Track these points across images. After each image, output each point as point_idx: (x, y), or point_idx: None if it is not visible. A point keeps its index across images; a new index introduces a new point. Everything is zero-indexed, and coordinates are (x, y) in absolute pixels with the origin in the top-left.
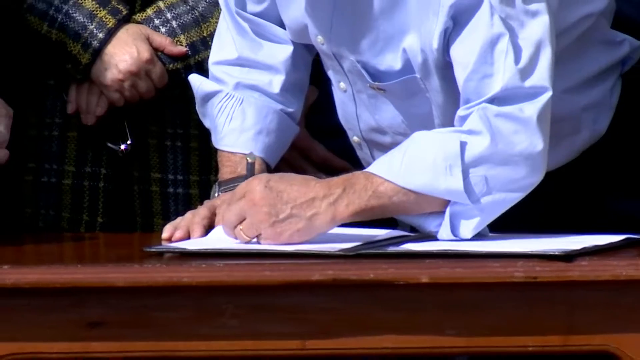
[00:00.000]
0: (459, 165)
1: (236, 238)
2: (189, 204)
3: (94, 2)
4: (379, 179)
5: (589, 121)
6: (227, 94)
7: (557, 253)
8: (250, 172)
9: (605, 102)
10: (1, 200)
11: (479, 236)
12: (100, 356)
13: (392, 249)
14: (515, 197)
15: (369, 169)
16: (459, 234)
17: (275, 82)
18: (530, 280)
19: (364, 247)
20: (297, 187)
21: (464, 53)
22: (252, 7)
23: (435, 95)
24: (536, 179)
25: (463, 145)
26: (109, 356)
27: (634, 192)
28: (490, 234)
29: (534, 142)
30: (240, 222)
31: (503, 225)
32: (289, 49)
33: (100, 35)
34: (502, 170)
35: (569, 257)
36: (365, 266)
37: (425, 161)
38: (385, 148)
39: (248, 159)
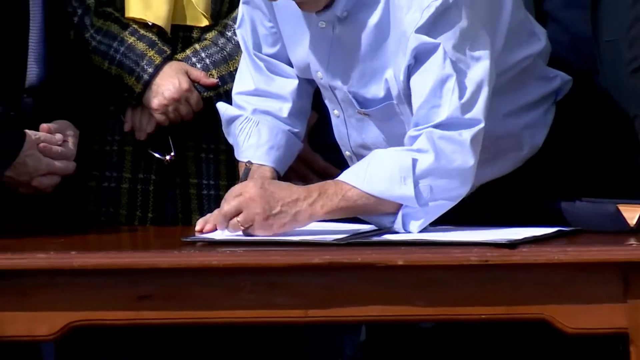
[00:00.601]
0: (411, 177)
1: (228, 228)
2: (218, 203)
3: (144, 44)
4: (347, 186)
5: (528, 138)
6: (246, 117)
7: (504, 242)
8: (245, 176)
9: (541, 123)
10: (69, 201)
11: (438, 229)
12: (148, 322)
13: (374, 239)
14: (451, 203)
15: (340, 178)
16: (408, 230)
17: (284, 108)
18: (483, 263)
19: (353, 238)
20: (284, 189)
21: (420, 85)
22: (266, 49)
23: (406, 118)
24: (465, 190)
25: (414, 161)
26: (155, 322)
27: (565, 193)
28: (453, 226)
29: (467, 160)
30: (237, 215)
31: (462, 220)
32: (295, 83)
33: (150, 70)
34: (443, 181)
35: (513, 245)
36: (354, 252)
37: (385, 173)
38: None
39: (246, 165)
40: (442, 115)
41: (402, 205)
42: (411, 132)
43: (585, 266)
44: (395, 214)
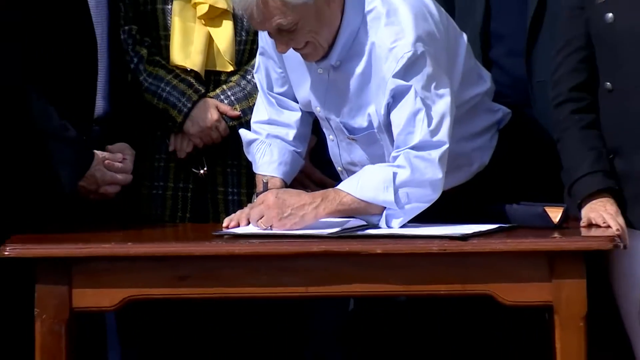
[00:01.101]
0: (392, 187)
1: (258, 227)
2: (240, 206)
3: (184, 85)
4: (344, 193)
5: (478, 157)
6: (261, 140)
7: (458, 235)
8: (265, 188)
9: (488, 145)
10: (127, 205)
11: (409, 225)
12: (185, 297)
13: (359, 232)
14: (424, 206)
15: (338, 187)
16: (390, 226)
17: (290, 134)
18: (442, 252)
19: (343, 232)
20: (294, 197)
21: (398, 118)
22: (277, 89)
23: (385, 143)
24: (436, 196)
25: (395, 174)
26: (190, 297)
27: (505, 199)
28: (420, 224)
29: (436, 173)
30: (260, 218)
31: (428, 219)
32: (299, 114)
33: (189, 105)
34: (417, 190)
35: (465, 237)
36: (343, 243)
37: (372, 183)
38: None
39: (263, 179)
40: (415, 139)
41: (385, 207)
42: (393, 153)
43: (520, 254)
44: (381, 214)
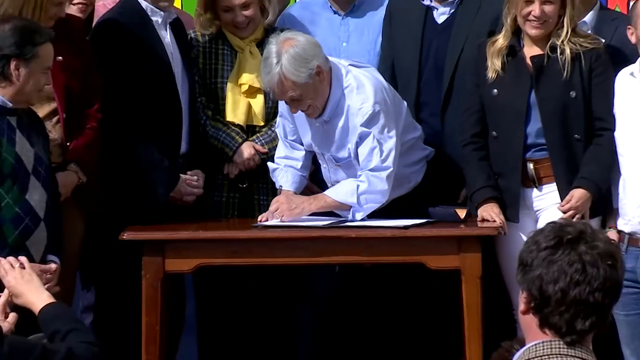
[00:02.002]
0: (356, 194)
1: (276, 217)
2: (267, 209)
3: (234, 133)
4: (327, 197)
5: (414, 177)
6: (281, 169)
7: (402, 226)
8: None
9: (420, 170)
10: (199, 208)
11: (373, 219)
12: (235, 265)
13: (341, 225)
14: (376, 206)
15: (324, 193)
16: (355, 218)
17: (299, 165)
18: (393, 236)
19: (332, 224)
20: (298, 198)
21: (362, 151)
22: (290, 137)
23: (357, 167)
24: (384, 200)
25: (358, 186)
26: (239, 264)
27: (431, 203)
28: (380, 219)
29: (384, 186)
30: (276, 211)
31: (384, 216)
32: (304, 152)
33: (236, 145)
34: (372, 196)
35: (406, 227)
36: (332, 230)
37: (345, 191)
38: None
39: (280, 188)
40: (372, 165)
41: (352, 206)
42: (359, 173)
43: (441, 237)
44: (349, 210)
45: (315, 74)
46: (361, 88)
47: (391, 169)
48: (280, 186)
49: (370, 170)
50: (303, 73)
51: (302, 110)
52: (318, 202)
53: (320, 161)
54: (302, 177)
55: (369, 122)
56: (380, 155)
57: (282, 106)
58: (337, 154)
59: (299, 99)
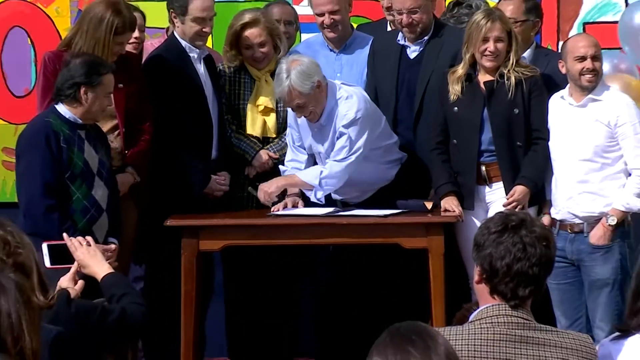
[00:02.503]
0: (319, 177)
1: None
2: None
3: (252, 142)
4: (296, 177)
5: (390, 174)
6: (288, 170)
7: (382, 214)
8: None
9: (394, 167)
10: (225, 201)
11: (359, 209)
12: (255, 244)
13: (336, 214)
14: (333, 189)
15: (295, 173)
16: (317, 197)
17: (302, 166)
18: (374, 222)
19: (329, 213)
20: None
21: (336, 146)
22: (296, 143)
23: None
24: (341, 184)
25: (321, 171)
26: (257, 244)
27: (404, 197)
28: (363, 209)
29: (343, 174)
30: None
31: (367, 207)
32: (306, 156)
33: (254, 152)
34: (331, 180)
35: (385, 216)
36: (328, 218)
37: (310, 174)
38: None
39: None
40: (338, 157)
41: (314, 186)
42: (326, 160)
43: (412, 223)
44: (312, 189)
45: (316, 86)
46: (349, 98)
47: (352, 160)
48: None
49: (336, 160)
50: (307, 85)
51: (304, 116)
52: (287, 179)
53: (317, 161)
54: None
55: (348, 125)
56: (348, 152)
57: (290, 119)
58: (329, 151)
59: (303, 106)
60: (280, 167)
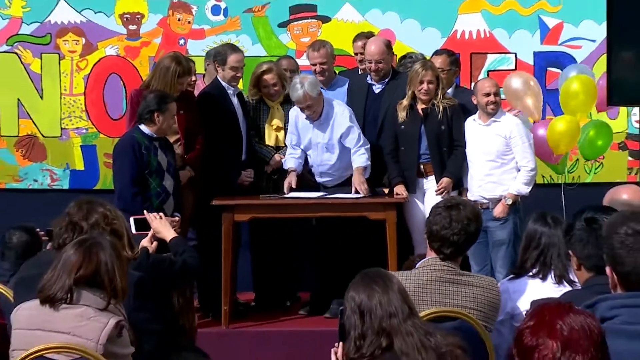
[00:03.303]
0: (366, 158)
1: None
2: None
3: (269, 149)
4: (359, 167)
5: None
6: (288, 159)
7: (356, 197)
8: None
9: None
10: (251, 188)
11: (344, 193)
12: (272, 217)
13: (324, 197)
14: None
15: (355, 168)
16: (369, 170)
17: (297, 156)
18: (352, 202)
19: (321, 197)
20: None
21: (352, 138)
22: (293, 142)
23: (337, 148)
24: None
25: (364, 154)
26: (274, 217)
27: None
28: (346, 194)
29: (369, 152)
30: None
31: (347, 192)
32: (300, 151)
33: (270, 155)
34: (368, 155)
35: (358, 198)
36: (318, 199)
37: (361, 160)
38: None
39: (289, 169)
40: (359, 144)
41: (367, 165)
42: (355, 149)
43: (375, 203)
44: (365, 169)
45: (319, 94)
46: (338, 103)
47: (367, 145)
48: (288, 168)
49: (360, 146)
50: (315, 92)
51: (309, 114)
52: (359, 175)
53: (310, 153)
54: (300, 163)
55: (352, 121)
56: (361, 139)
57: (291, 128)
58: (325, 141)
59: (311, 106)
60: (283, 160)
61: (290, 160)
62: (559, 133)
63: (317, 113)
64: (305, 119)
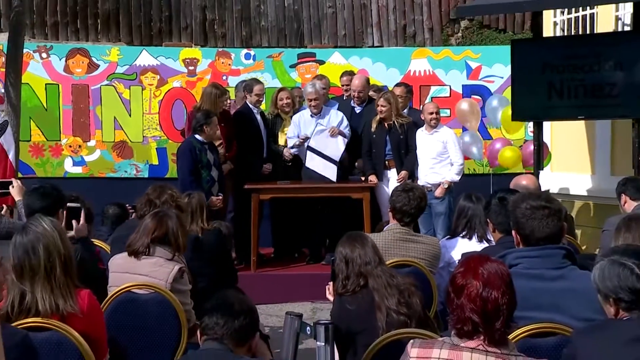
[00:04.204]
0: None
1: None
2: None
3: (282, 147)
4: None
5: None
6: (290, 138)
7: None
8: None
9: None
10: (270, 176)
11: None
12: (287, 197)
13: (324, 182)
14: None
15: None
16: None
17: (296, 138)
18: (340, 186)
19: (322, 179)
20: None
21: (344, 126)
22: (295, 133)
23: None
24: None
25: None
26: (287, 197)
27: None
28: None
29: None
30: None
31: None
32: (296, 137)
33: (281, 151)
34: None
35: (344, 182)
36: (320, 183)
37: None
38: None
39: (290, 149)
40: (340, 124)
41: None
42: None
43: (355, 187)
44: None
45: (324, 93)
46: (333, 109)
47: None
48: (291, 147)
49: (345, 127)
50: (323, 90)
51: (315, 105)
52: (335, 128)
53: (308, 141)
54: (297, 138)
55: (343, 118)
56: (344, 122)
57: (291, 126)
58: (321, 129)
59: (318, 99)
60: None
61: (291, 140)
62: (506, 157)
63: (319, 108)
64: (310, 113)
